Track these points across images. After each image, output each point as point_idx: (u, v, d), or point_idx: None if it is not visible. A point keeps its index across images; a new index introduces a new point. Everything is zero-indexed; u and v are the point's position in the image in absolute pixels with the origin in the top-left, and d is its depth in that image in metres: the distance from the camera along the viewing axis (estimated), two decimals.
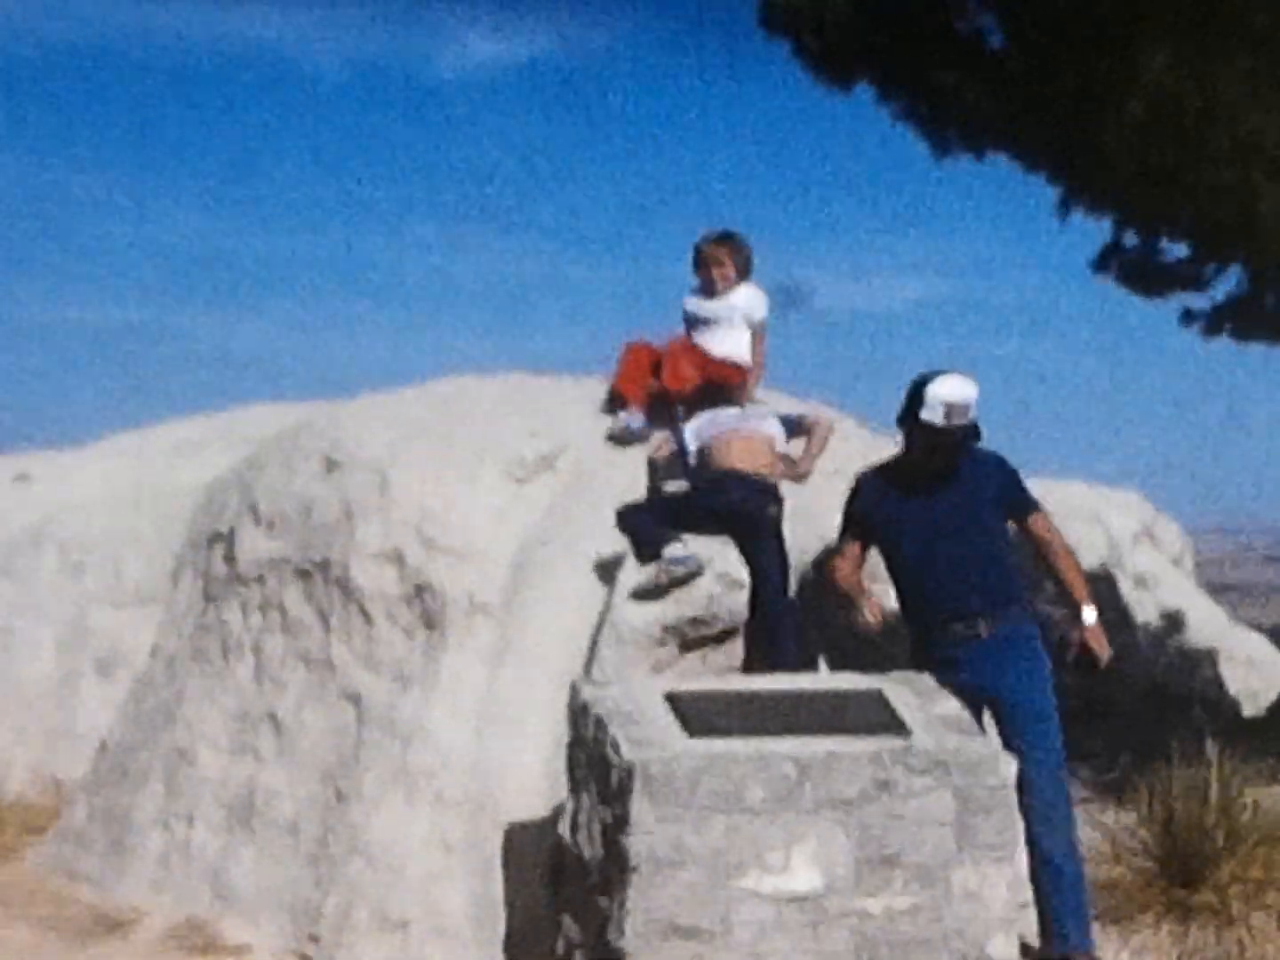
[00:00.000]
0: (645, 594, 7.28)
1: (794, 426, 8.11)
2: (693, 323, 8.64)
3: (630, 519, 7.55)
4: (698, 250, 8.61)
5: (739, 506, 7.46)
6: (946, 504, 6.72)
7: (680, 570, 7.25)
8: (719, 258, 8.54)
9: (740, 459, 7.63)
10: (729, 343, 8.57)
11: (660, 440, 8.13)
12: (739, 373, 8.47)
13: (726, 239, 8.63)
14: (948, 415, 6.57)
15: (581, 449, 8.34)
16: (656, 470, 8.06)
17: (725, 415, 7.97)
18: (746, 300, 8.61)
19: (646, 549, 7.36)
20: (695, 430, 7.88)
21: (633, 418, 8.31)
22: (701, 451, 7.78)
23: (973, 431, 6.70)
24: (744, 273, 8.61)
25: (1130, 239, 12.22)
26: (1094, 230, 12.24)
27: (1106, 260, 12.33)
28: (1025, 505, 6.89)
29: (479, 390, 9.09)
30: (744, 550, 7.41)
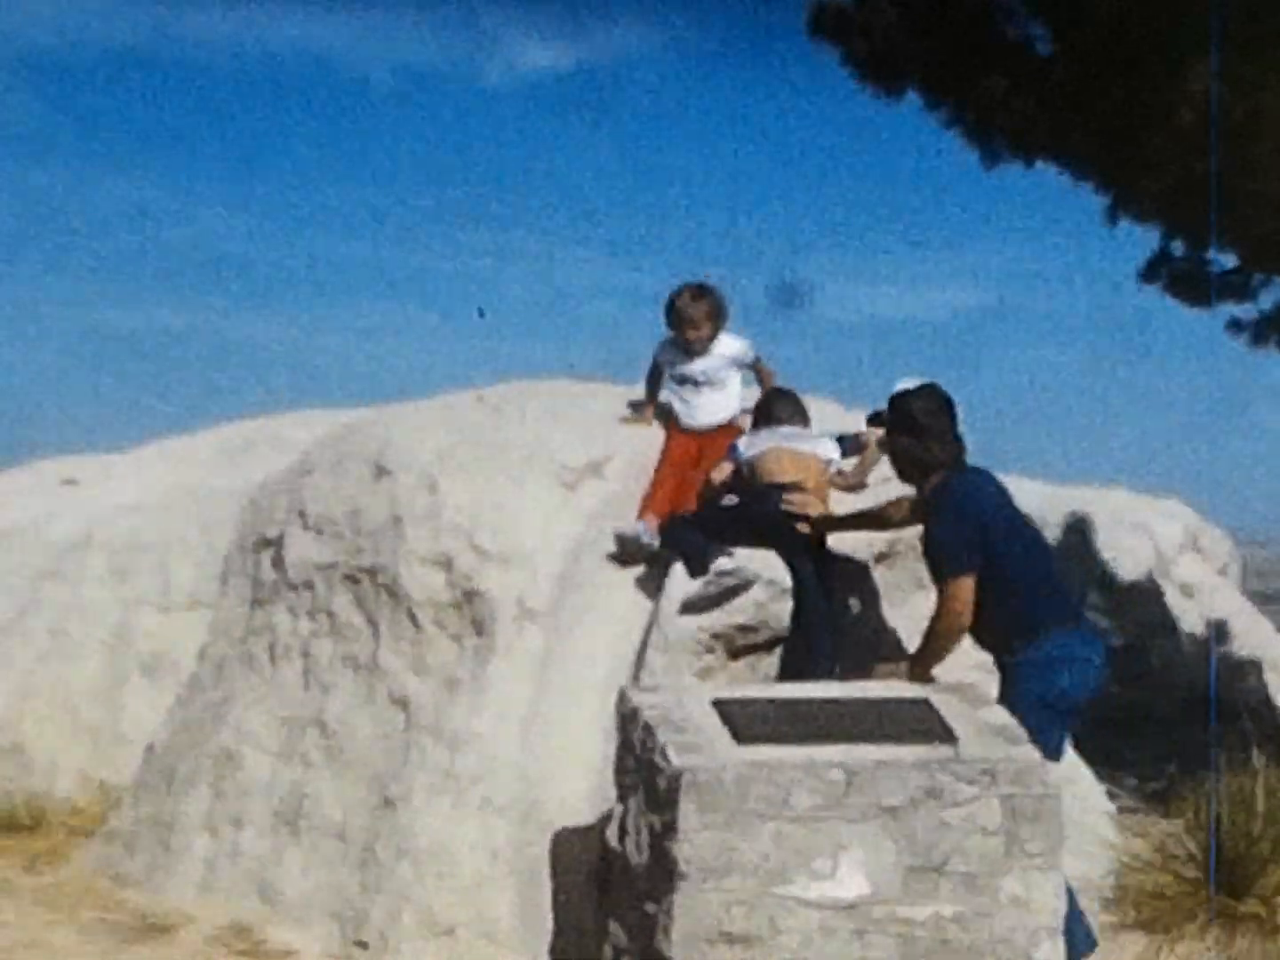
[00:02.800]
0: (694, 607, 7.27)
1: (852, 445, 8.03)
2: (679, 380, 8.41)
3: (678, 533, 7.55)
4: (673, 306, 8.30)
5: (778, 517, 7.45)
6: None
7: (730, 582, 7.25)
8: (694, 317, 8.25)
9: (785, 472, 7.61)
10: (720, 400, 8.37)
11: (721, 463, 7.98)
12: (729, 433, 8.21)
13: (701, 295, 8.31)
14: None
15: (629, 456, 8.33)
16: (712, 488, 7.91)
17: (781, 432, 7.92)
18: (733, 349, 8.38)
19: (695, 563, 7.35)
20: (747, 442, 7.86)
21: (644, 529, 7.77)
22: (750, 464, 7.75)
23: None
24: (719, 325, 8.33)
25: (1178, 248, 12.23)
26: (1142, 239, 12.25)
27: (1155, 269, 12.34)
28: None
29: (527, 397, 9.09)
30: (785, 561, 7.41)
